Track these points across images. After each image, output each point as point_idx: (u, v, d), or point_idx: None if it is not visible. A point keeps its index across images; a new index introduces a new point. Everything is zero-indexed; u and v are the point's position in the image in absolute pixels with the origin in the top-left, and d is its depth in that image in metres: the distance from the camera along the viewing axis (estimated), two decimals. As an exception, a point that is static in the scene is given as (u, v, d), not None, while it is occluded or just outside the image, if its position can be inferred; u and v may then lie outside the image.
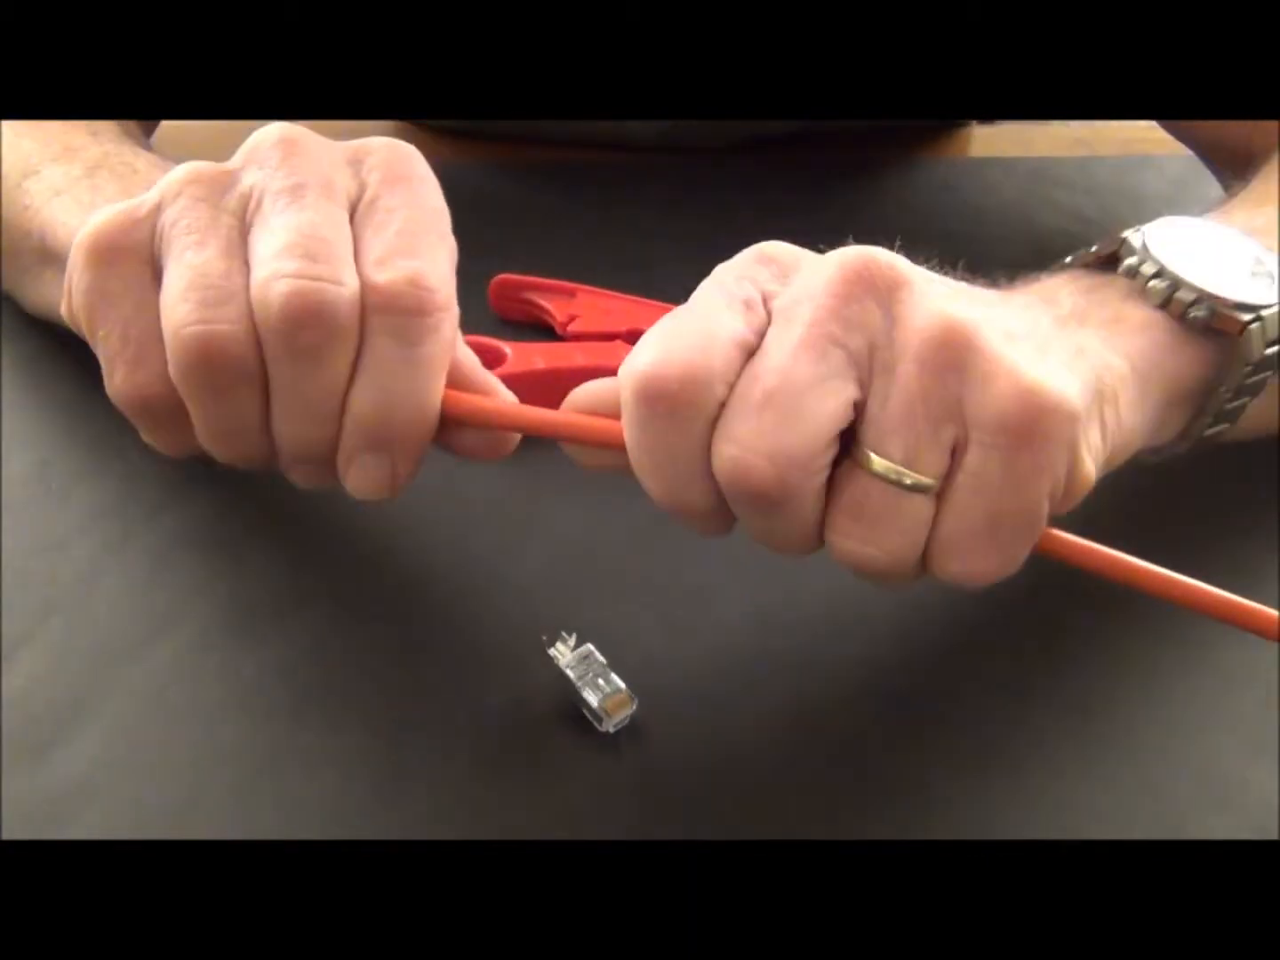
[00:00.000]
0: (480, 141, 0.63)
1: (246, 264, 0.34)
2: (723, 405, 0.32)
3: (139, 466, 0.45)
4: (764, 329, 0.33)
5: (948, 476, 0.32)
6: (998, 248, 0.57)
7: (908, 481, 0.31)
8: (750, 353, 0.32)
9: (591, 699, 0.37)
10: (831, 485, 0.32)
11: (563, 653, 0.38)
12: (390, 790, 0.36)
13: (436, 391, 0.35)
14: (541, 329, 0.52)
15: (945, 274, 0.35)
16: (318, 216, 0.34)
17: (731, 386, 0.32)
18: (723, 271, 0.34)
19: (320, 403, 0.34)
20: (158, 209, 0.35)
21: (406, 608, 0.41)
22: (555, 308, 0.51)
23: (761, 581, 0.42)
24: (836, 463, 0.32)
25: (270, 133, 0.36)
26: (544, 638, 0.39)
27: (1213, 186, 0.58)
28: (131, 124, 0.50)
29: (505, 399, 0.37)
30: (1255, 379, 0.37)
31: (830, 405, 0.31)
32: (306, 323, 0.33)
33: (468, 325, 0.50)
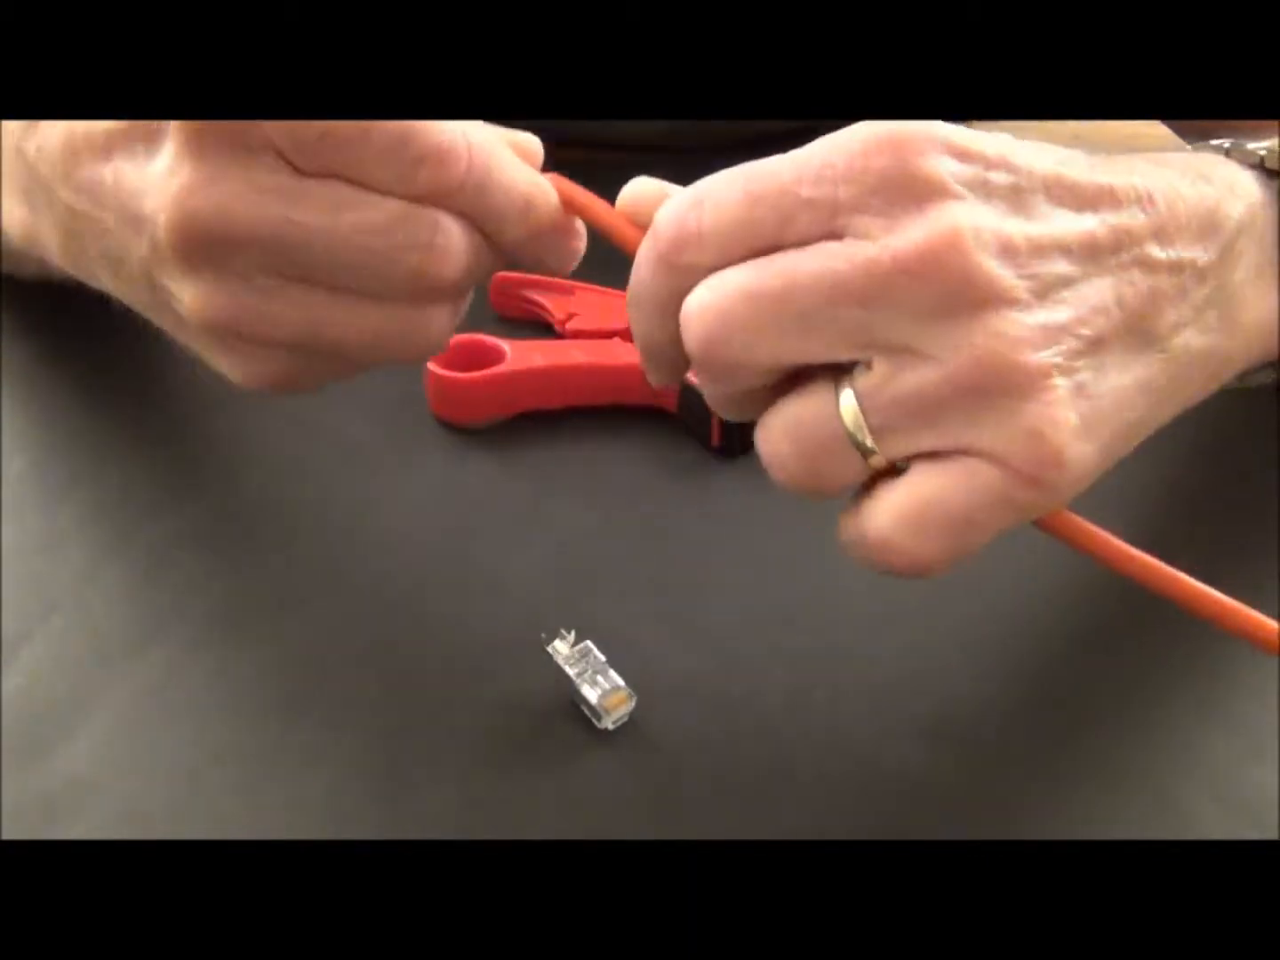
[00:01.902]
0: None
1: None
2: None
3: (137, 467, 0.45)
4: (822, 237, 0.30)
5: (915, 460, 0.30)
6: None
7: (866, 444, 0.30)
8: (779, 248, 0.30)
9: (590, 696, 0.37)
10: (785, 380, 0.31)
11: (561, 650, 0.38)
12: (389, 788, 0.36)
13: (533, 172, 0.36)
14: (540, 327, 0.52)
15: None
16: None
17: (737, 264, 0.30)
18: (821, 148, 0.30)
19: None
20: (268, 320, 0.34)
21: (405, 606, 0.41)
22: (554, 305, 0.51)
23: (761, 579, 0.42)
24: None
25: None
26: (543, 635, 0.39)
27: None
28: None
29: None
30: None
31: (817, 347, 0.30)
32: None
33: (468, 323, 0.50)
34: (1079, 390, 0.30)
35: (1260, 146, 0.35)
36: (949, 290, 0.29)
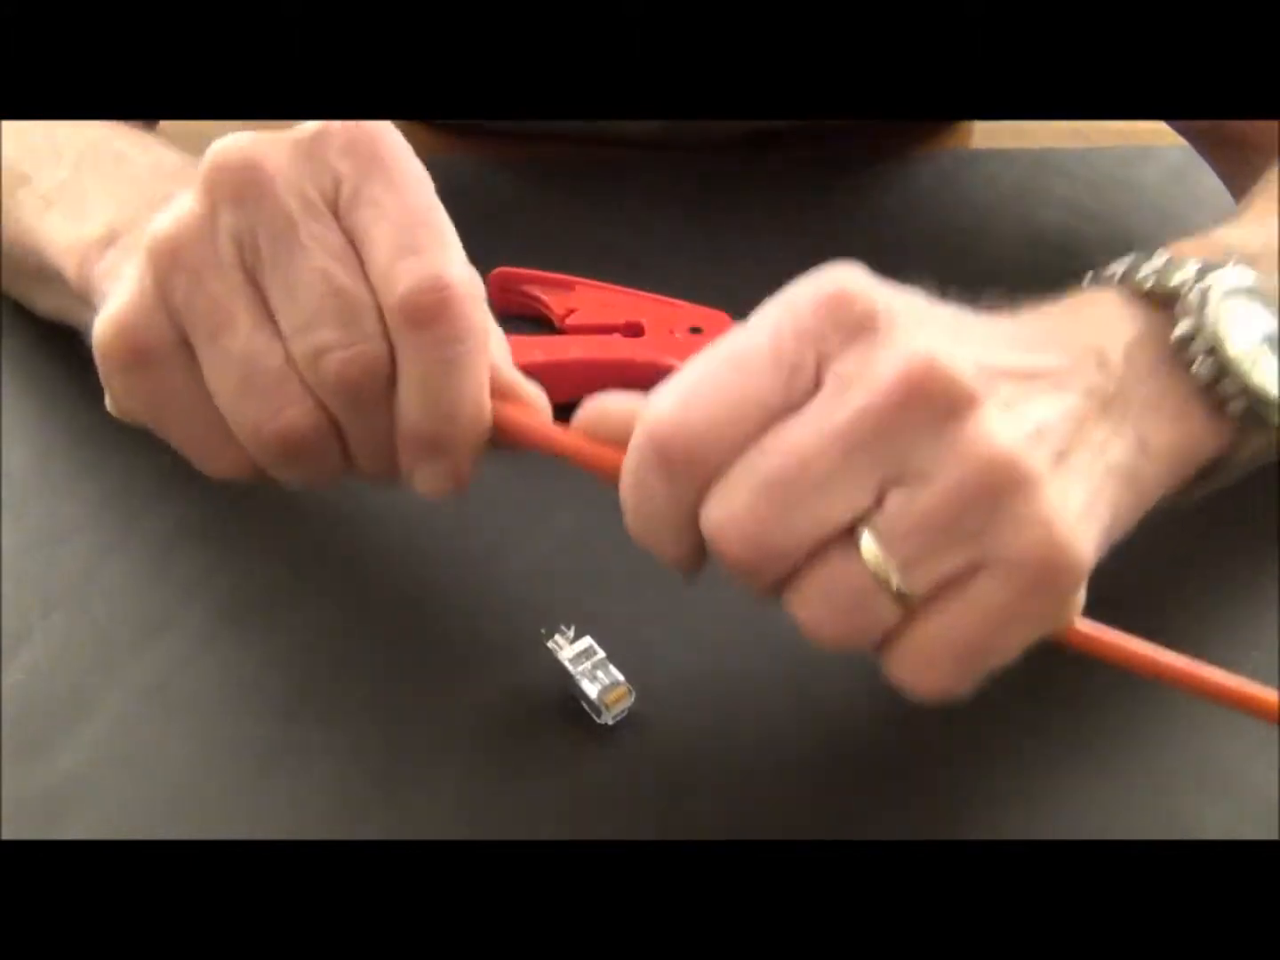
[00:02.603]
0: (479, 136, 0.63)
1: (276, 328, 0.34)
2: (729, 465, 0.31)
3: (139, 461, 0.45)
4: (805, 395, 0.31)
5: (935, 591, 0.31)
6: (996, 239, 0.57)
7: (893, 585, 0.30)
8: (777, 418, 0.31)
9: (590, 691, 0.37)
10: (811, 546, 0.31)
11: (562, 645, 0.38)
12: (390, 783, 0.36)
13: (482, 388, 0.34)
14: (540, 322, 0.52)
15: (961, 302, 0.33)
16: (319, 259, 0.33)
17: (743, 451, 0.30)
18: (788, 313, 0.31)
19: (384, 437, 0.35)
20: (161, 295, 0.34)
21: (406, 601, 0.41)
22: (554, 301, 0.51)
23: (760, 574, 0.42)
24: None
25: (227, 160, 0.34)
26: (543, 630, 0.39)
27: (1210, 177, 0.58)
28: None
29: (533, 400, 0.36)
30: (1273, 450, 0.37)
31: (835, 512, 0.30)
32: (360, 385, 0.33)
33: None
34: (1063, 497, 0.31)
35: (1148, 274, 0.36)
36: (937, 406, 0.30)
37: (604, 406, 0.34)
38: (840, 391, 0.30)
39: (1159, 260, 0.36)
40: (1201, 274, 0.36)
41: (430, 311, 0.33)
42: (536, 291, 0.52)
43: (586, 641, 0.38)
